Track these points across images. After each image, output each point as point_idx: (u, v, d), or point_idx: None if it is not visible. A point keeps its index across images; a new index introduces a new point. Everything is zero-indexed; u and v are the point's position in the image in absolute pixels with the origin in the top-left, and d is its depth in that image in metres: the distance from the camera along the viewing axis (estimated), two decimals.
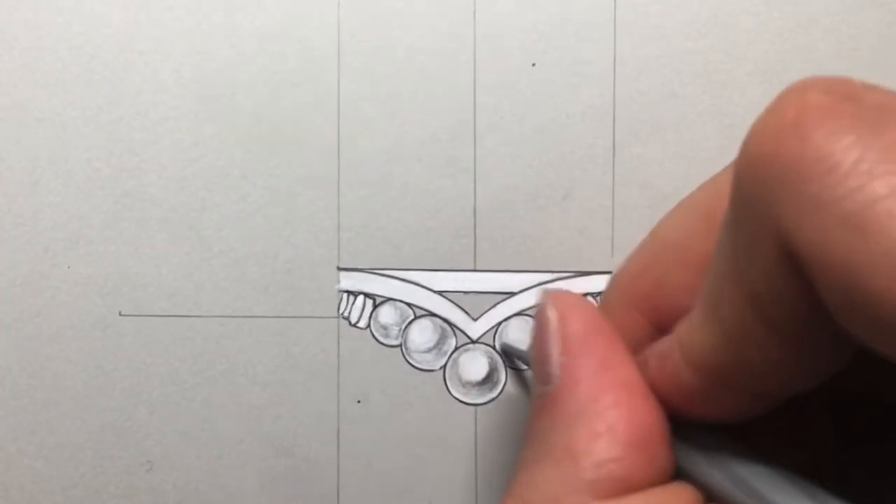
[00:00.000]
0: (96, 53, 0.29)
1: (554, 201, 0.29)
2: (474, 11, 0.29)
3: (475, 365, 0.29)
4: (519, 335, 0.29)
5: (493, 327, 0.29)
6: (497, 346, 0.29)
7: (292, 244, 0.29)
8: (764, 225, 0.14)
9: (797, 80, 0.15)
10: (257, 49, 0.29)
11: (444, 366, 0.29)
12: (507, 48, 0.29)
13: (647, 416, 0.18)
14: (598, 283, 0.29)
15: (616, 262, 0.28)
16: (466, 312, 0.29)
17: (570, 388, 0.18)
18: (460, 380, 0.29)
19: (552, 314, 0.20)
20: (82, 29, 0.29)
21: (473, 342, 0.29)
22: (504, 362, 0.29)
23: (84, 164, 0.29)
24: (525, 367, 0.29)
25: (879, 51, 0.28)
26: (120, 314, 0.29)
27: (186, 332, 0.29)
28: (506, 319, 0.29)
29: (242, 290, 0.29)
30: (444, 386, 0.29)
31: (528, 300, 0.29)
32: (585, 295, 0.29)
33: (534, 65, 0.29)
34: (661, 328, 0.20)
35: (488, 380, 0.29)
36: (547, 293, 0.20)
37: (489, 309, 0.29)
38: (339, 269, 0.29)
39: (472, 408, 0.29)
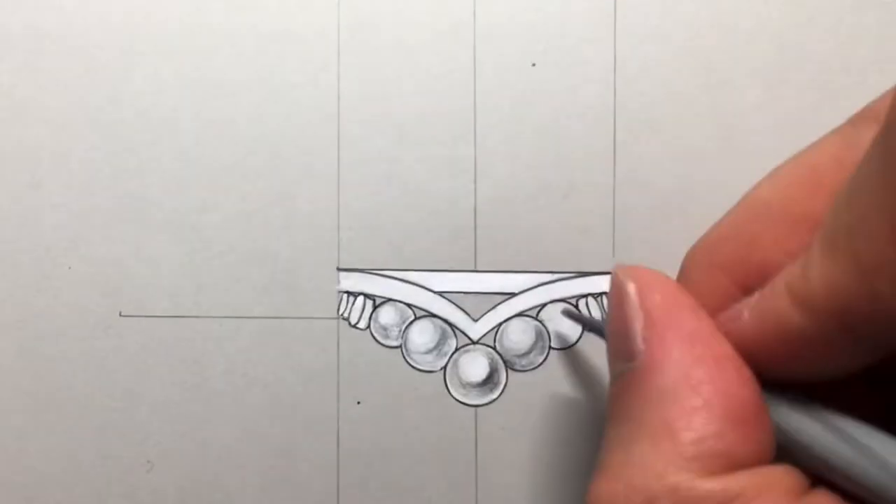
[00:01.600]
0: (96, 53, 0.29)
1: (554, 201, 0.29)
2: (474, 11, 0.29)
3: (475, 366, 0.29)
4: (520, 337, 0.29)
5: (493, 328, 0.29)
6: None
7: (292, 244, 0.29)
8: None
9: None
10: (257, 49, 0.29)
11: (445, 367, 0.29)
12: (507, 48, 0.29)
13: (743, 391, 0.17)
14: (599, 284, 0.29)
15: (616, 262, 0.28)
16: (467, 313, 0.29)
17: (658, 363, 0.18)
18: (460, 381, 0.29)
19: (631, 287, 0.19)
20: (82, 29, 0.29)
21: (474, 343, 0.29)
22: (511, 364, 0.29)
23: (85, 164, 0.29)
24: (595, 334, 0.28)
25: (879, 51, 0.28)
26: (120, 314, 0.29)
27: (187, 333, 0.29)
28: (506, 320, 0.29)
29: (242, 290, 0.29)
30: (444, 387, 0.29)
31: (528, 301, 0.29)
32: (585, 296, 0.29)
33: (534, 65, 0.29)
34: (748, 290, 0.19)
35: (488, 381, 0.29)
36: (622, 267, 0.20)
37: (490, 310, 0.29)
38: (339, 269, 0.29)
39: (472, 409, 0.29)
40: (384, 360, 0.29)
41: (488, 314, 0.29)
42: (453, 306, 0.29)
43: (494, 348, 0.29)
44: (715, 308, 0.19)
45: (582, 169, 0.29)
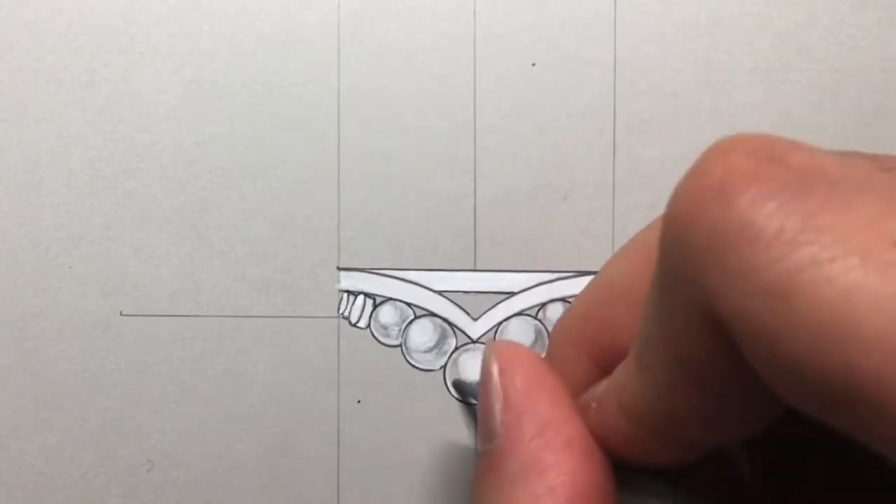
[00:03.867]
0: (96, 53, 0.29)
1: (554, 201, 0.29)
2: (474, 11, 0.29)
3: (475, 365, 0.29)
4: (520, 336, 0.29)
5: (493, 327, 0.29)
6: (448, 383, 0.29)
7: (292, 244, 0.29)
8: (688, 288, 0.14)
9: (722, 139, 0.15)
10: (257, 49, 0.29)
11: (444, 366, 0.29)
12: (507, 48, 0.29)
13: (589, 475, 0.17)
14: None
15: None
16: (466, 312, 0.29)
17: (511, 448, 0.18)
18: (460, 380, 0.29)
19: (494, 368, 0.19)
20: (82, 29, 0.29)
21: (473, 342, 0.29)
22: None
23: (85, 164, 0.29)
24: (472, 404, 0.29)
25: (879, 51, 0.28)
26: (121, 314, 0.29)
27: (187, 332, 0.29)
28: (506, 319, 0.29)
29: (242, 290, 0.29)
30: (444, 386, 0.29)
31: (528, 300, 0.29)
32: None
33: (534, 65, 0.29)
34: (607, 370, 0.19)
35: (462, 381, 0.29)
36: (491, 344, 0.20)
37: (489, 309, 0.29)
38: (339, 269, 0.29)
39: (472, 408, 0.29)
40: (384, 359, 0.29)
41: (488, 313, 0.29)
42: (453, 305, 0.29)
43: None
44: (578, 386, 0.19)
45: (582, 169, 0.29)
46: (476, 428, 0.21)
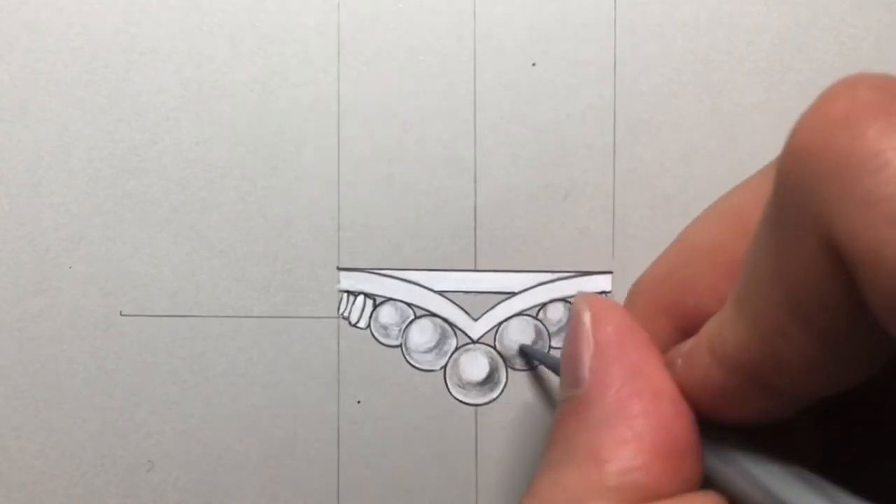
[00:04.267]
0: (96, 53, 0.29)
1: (554, 201, 0.29)
2: (474, 11, 0.29)
3: (475, 365, 0.29)
4: (520, 336, 0.29)
5: (493, 327, 0.29)
6: (516, 349, 0.29)
7: (292, 244, 0.29)
8: (809, 220, 0.14)
9: (845, 76, 0.15)
10: (257, 49, 0.29)
11: (445, 366, 0.29)
12: (507, 48, 0.29)
13: (676, 426, 0.18)
14: (599, 283, 0.29)
15: (616, 262, 0.29)
16: (467, 312, 0.29)
17: (599, 393, 0.18)
18: (460, 380, 0.29)
19: (586, 317, 0.19)
20: (82, 29, 0.29)
21: (474, 342, 0.29)
22: (511, 363, 0.29)
23: (85, 164, 0.29)
24: (538, 366, 0.29)
25: (880, 50, 0.28)
26: (121, 314, 0.29)
27: (187, 332, 0.29)
28: (506, 319, 0.29)
29: (242, 290, 0.29)
30: (444, 386, 0.29)
31: (528, 300, 0.29)
32: None
33: (534, 65, 0.29)
34: (686, 332, 0.19)
35: (489, 380, 0.29)
36: (581, 295, 0.20)
37: (490, 309, 0.29)
38: (339, 269, 0.29)
39: (473, 408, 0.29)
40: (384, 359, 0.29)
41: (488, 313, 0.29)
42: (453, 305, 0.29)
43: (494, 348, 0.29)
44: (658, 346, 0.20)
45: (582, 169, 0.29)
46: (555, 377, 0.21)
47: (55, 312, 0.29)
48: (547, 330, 0.29)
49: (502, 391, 0.29)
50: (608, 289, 0.29)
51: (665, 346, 0.20)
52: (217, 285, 0.29)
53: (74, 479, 0.29)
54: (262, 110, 0.29)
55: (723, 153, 0.28)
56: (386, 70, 0.29)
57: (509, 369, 0.29)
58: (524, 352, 0.29)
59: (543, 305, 0.29)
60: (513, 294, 0.29)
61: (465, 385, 0.29)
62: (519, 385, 0.29)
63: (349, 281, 0.29)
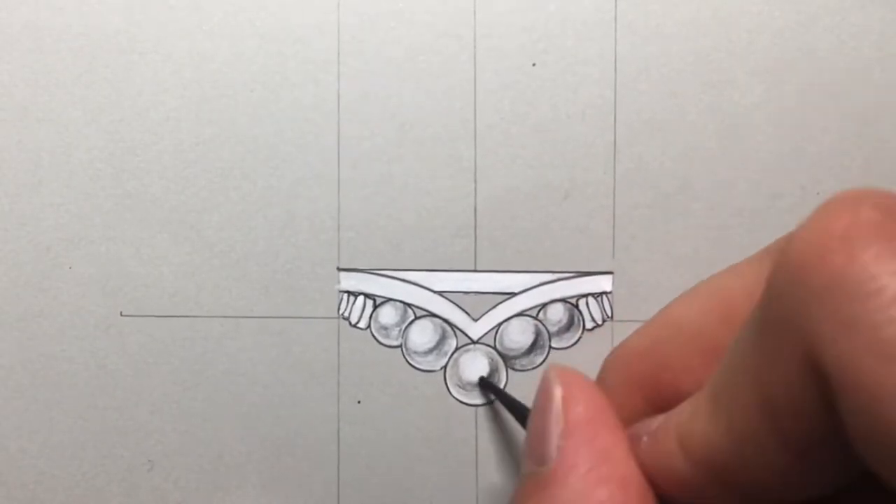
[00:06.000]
0: (96, 54, 0.29)
1: (554, 201, 0.29)
2: (474, 11, 0.29)
3: (475, 365, 0.29)
4: (519, 336, 0.29)
5: (493, 328, 0.29)
6: (447, 383, 0.29)
7: (292, 244, 0.29)
8: (794, 334, 0.14)
9: (849, 190, 0.15)
10: (257, 49, 0.29)
11: (445, 366, 0.29)
12: (508, 48, 0.29)
13: None
14: (599, 283, 0.29)
15: (616, 262, 0.28)
16: (467, 313, 0.29)
17: (565, 474, 0.18)
18: (460, 380, 0.29)
19: (557, 393, 0.19)
20: (82, 29, 0.29)
21: (474, 343, 0.29)
22: (511, 363, 0.29)
23: (85, 164, 0.29)
24: (497, 401, 0.29)
25: (881, 49, 0.28)
26: (121, 314, 0.29)
27: (187, 332, 0.29)
28: (506, 320, 0.29)
29: (242, 290, 0.29)
30: (444, 386, 0.29)
31: (528, 301, 0.29)
32: (585, 295, 0.29)
33: (534, 64, 0.29)
34: (658, 409, 0.19)
35: (489, 380, 0.29)
36: (554, 368, 0.20)
37: (490, 309, 0.29)
38: (339, 269, 0.29)
39: (472, 408, 0.29)
40: (384, 359, 0.29)
41: (488, 314, 0.29)
42: (453, 306, 0.29)
43: (494, 348, 0.29)
44: (626, 420, 0.19)
45: (582, 169, 0.29)
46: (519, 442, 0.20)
47: (55, 312, 0.29)
48: (547, 330, 0.29)
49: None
50: (608, 289, 0.29)
51: (634, 421, 0.19)
52: (217, 285, 0.29)
53: (75, 479, 0.29)
54: (262, 110, 0.29)
55: (723, 153, 0.28)
56: (386, 70, 0.29)
57: (509, 369, 0.29)
58: (483, 384, 0.29)
59: (544, 306, 0.29)
60: (513, 294, 0.29)
61: (465, 385, 0.29)
62: (519, 386, 0.29)
63: (349, 281, 0.29)
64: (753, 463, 0.15)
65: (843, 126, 0.28)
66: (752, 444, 0.15)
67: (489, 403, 0.29)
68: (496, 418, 0.29)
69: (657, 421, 0.18)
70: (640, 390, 0.20)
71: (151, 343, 0.29)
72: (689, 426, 0.17)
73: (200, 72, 0.29)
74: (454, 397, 0.29)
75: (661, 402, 0.19)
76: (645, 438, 0.18)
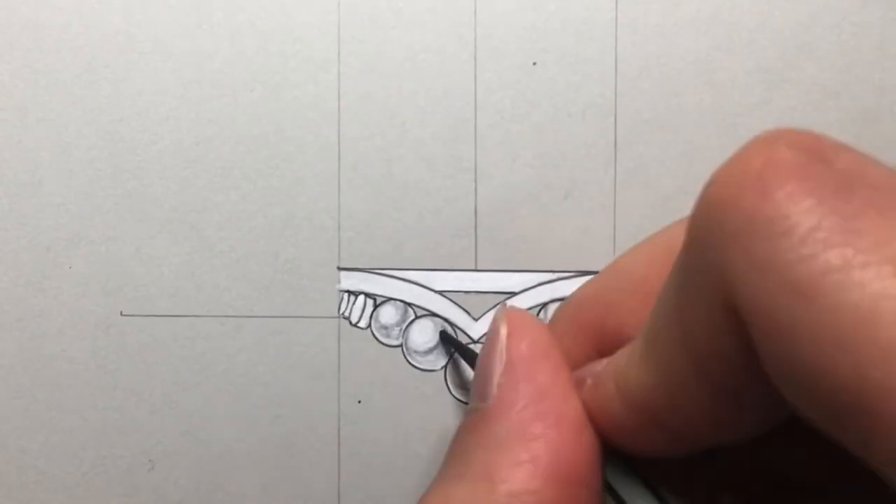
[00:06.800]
0: (96, 53, 0.29)
1: (555, 201, 0.29)
2: (474, 11, 0.29)
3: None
4: None
5: None
6: (447, 382, 0.29)
7: (292, 244, 0.29)
8: (712, 276, 0.14)
9: (768, 130, 0.15)
10: (257, 49, 0.29)
11: (445, 366, 0.29)
12: (508, 48, 0.29)
13: (576, 453, 0.17)
14: None
15: (508, 304, 0.28)
16: (467, 312, 0.29)
17: (502, 411, 0.18)
18: (461, 380, 0.29)
19: (503, 331, 0.19)
20: (82, 29, 0.29)
21: (474, 342, 0.29)
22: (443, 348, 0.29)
23: (85, 164, 0.29)
24: (455, 354, 0.29)
25: (882, 48, 0.28)
26: (121, 314, 0.29)
27: (187, 332, 0.29)
28: None
29: (242, 290, 0.29)
30: (444, 386, 0.29)
31: (529, 300, 0.29)
32: None
33: (534, 64, 0.29)
34: (604, 355, 0.19)
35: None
36: (504, 308, 0.20)
37: (490, 309, 0.29)
38: (340, 269, 0.29)
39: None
40: (385, 359, 0.29)
41: (489, 313, 0.29)
42: (454, 305, 0.29)
43: None
44: (574, 363, 0.19)
45: (583, 168, 0.29)
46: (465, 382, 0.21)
47: (55, 312, 0.29)
48: None
49: None
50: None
51: (582, 364, 0.19)
52: (217, 285, 0.29)
53: (75, 479, 0.29)
54: (262, 110, 0.29)
55: (723, 153, 0.28)
56: (386, 70, 0.29)
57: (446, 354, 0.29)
58: (444, 338, 0.29)
59: (544, 305, 0.29)
60: (513, 294, 0.29)
61: (465, 385, 0.29)
62: (452, 372, 0.29)
63: (349, 281, 0.29)
64: (682, 406, 0.16)
65: (843, 126, 0.28)
66: (680, 387, 0.15)
67: (450, 357, 0.29)
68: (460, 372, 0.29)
69: (601, 364, 0.18)
70: (587, 335, 0.20)
71: (151, 343, 0.29)
72: (625, 370, 0.17)
73: (200, 71, 0.29)
74: (454, 397, 0.29)
75: (608, 347, 0.19)
76: (589, 381, 0.18)
